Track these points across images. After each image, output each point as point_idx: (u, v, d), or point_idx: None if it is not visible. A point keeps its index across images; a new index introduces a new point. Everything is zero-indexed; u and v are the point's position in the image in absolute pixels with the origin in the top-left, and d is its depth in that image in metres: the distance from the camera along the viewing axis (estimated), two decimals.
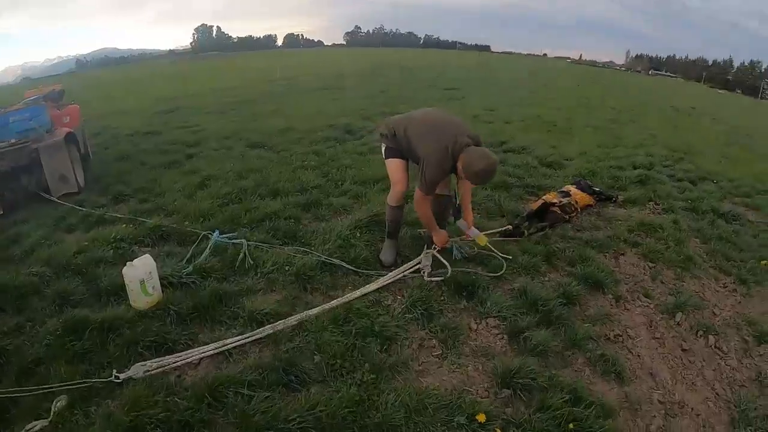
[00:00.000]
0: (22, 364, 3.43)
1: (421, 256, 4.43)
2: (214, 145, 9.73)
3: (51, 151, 7.15)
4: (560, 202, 5.63)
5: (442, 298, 4.06)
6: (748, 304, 4.69)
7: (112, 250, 4.98)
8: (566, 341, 3.74)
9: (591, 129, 12.51)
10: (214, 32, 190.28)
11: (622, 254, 5.12)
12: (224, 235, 4.85)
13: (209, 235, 4.89)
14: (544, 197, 5.75)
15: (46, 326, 3.78)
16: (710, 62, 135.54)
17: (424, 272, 4.23)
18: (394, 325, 3.67)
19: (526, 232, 5.18)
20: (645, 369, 3.73)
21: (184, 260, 4.54)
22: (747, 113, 30.70)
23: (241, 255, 4.51)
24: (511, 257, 4.65)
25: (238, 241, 4.73)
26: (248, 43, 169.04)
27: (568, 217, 5.62)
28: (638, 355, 3.84)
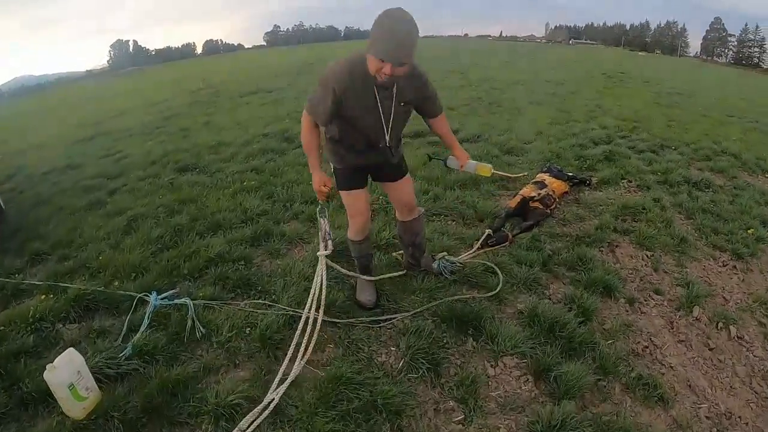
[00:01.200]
0: None
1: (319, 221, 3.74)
2: (140, 174, 8.79)
3: None
4: (539, 194, 5.21)
5: (444, 340, 3.37)
6: (751, 281, 4.59)
7: (32, 335, 4.06)
8: (598, 369, 3.23)
9: (536, 106, 12.23)
10: (131, 47, 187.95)
11: (617, 246, 4.77)
12: (163, 296, 4.00)
13: (146, 298, 4.08)
14: (521, 192, 5.29)
15: None
16: (628, 26, 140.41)
17: (323, 244, 3.60)
18: (399, 392, 2.95)
19: (510, 235, 4.62)
20: (682, 382, 3.39)
21: (120, 338, 3.73)
22: (671, 72, 31.22)
23: (189, 322, 3.66)
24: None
25: (181, 301, 3.89)
26: (167, 54, 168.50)
27: (549, 210, 5.17)
28: (671, 366, 3.48)
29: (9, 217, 8.07)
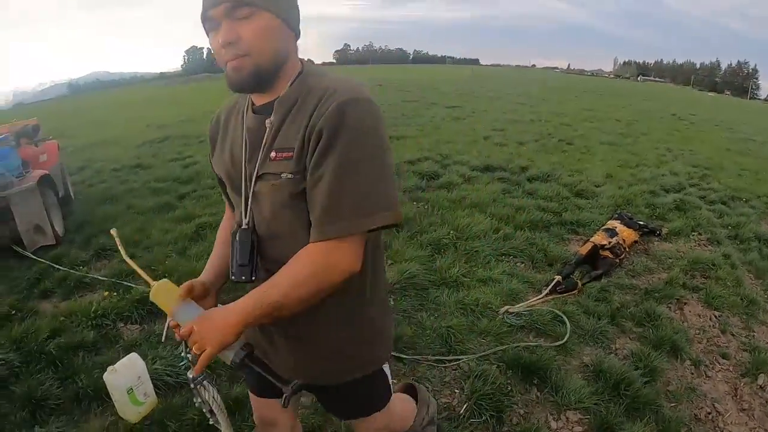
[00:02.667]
0: None
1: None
2: (209, 182, 8.89)
3: (23, 198, 6.41)
4: (609, 243, 5.14)
5: (509, 387, 3.33)
6: None
7: (92, 331, 4.24)
8: None
9: (607, 146, 12.08)
10: (205, 53, 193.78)
11: (686, 303, 4.61)
12: None
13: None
14: (592, 239, 5.24)
15: None
16: (698, 65, 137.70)
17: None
18: None
19: (579, 283, 4.59)
20: None
21: (182, 347, 3.83)
22: (742, 115, 30.45)
23: None
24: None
25: None
26: None
27: (618, 260, 5.10)
28: None
29: (77, 208, 8.33)
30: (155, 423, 3.05)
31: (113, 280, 5.20)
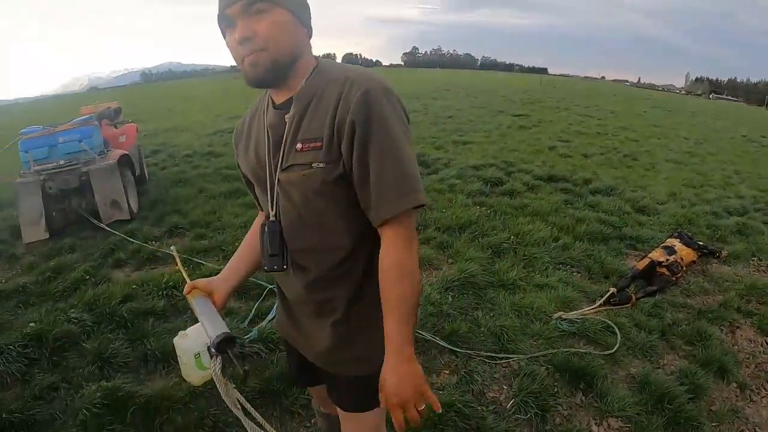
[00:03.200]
0: None
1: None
2: None
3: (102, 174, 6.91)
4: (667, 260, 5.13)
5: (555, 389, 3.44)
6: None
7: (162, 300, 4.57)
8: None
9: (672, 164, 11.87)
10: None
11: (738, 327, 4.57)
12: None
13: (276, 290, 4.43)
14: (650, 255, 5.24)
15: (83, 394, 3.37)
16: None
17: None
18: (504, 430, 3.06)
19: (633, 297, 4.65)
20: None
21: (246, 322, 4.08)
22: None
23: None
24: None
25: None
26: None
27: (675, 278, 5.10)
28: None
29: (150, 188, 8.76)
30: (216, 388, 3.30)
31: (185, 256, 5.50)
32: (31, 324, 4.26)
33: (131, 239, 6.26)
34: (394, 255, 1.47)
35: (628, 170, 10.48)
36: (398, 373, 1.48)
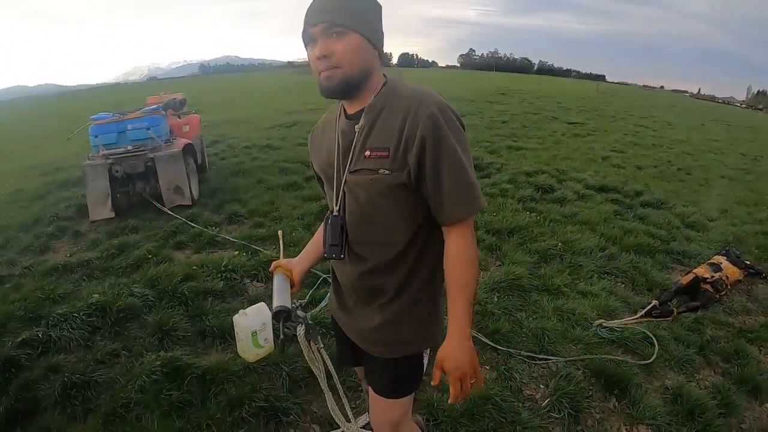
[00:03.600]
0: (111, 407, 3.28)
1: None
2: None
3: (167, 161, 7.31)
4: (712, 277, 5.12)
5: (590, 392, 3.54)
6: None
7: (221, 282, 4.87)
8: None
9: (726, 180, 11.68)
10: None
11: None
12: None
13: (329, 279, 4.65)
14: (695, 271, 5.25)
15: (143, 362, 3.65)
16: None
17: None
18: (537, 426, 3.20)
19: (675, 310, 4.70)
20: None
21: (300, 306, 4.30)
22: None
23: None
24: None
25: None
26: None
27: (718, 296, 5.09)
28: None
29: (210, 177, 9.14)
30: (271, 364, 3.56)
31: (243, 242, 5.82)
32: (95, 295, 4.61)
33: (192, 224, 6.61)
34: (461, 249, 1.75)
35: (681, 184, 10.40)
36: (461, 349, 1.74)
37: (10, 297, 4.92)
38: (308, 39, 1.71)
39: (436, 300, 1.97)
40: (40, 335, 4.07)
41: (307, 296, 4.58)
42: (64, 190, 9.63)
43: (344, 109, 1.85)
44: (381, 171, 1.70)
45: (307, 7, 1.71)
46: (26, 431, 3.18)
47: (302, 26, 1.72)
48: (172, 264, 5.41)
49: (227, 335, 3.97)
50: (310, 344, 2.11)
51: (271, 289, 2.07)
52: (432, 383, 1.81)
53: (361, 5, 1.69)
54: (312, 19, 1.66)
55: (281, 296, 2.01)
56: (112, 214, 7.21)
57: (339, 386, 2.30)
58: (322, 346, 2.15)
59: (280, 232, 2.52)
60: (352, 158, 1.77)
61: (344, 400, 2.47)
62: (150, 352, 3.83)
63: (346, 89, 1.71)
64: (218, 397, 3.34)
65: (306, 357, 2.15)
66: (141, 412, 3.22)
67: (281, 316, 1.95)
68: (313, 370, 2.17)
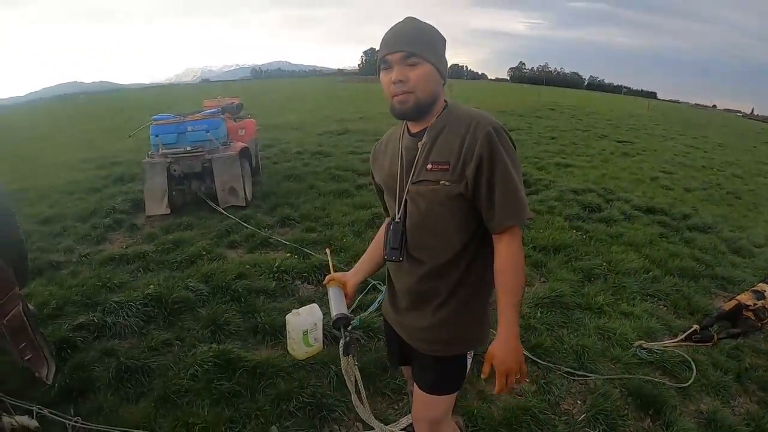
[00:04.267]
0: (164, 391, 3.47)
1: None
2: None
3: (224, 163, 7.63)
4: (755, 305, 5.05)
5: (625, 411, 3.61)
6: None
7: (273, 282, 5.06)
8: None
9: None
10: None
11: None
12: None
13: (379, 287, 4.79)
14: (738, 297, 5.21)
15: (195, 352, 3.85)
16: None
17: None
18: None
19: (715, 336, 4.73)
20: None
21: (350, 311, 4.45)
22: None
23: None
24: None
25: None
26: None
27: (760, 324, 5.07)
28: None
29: (263, 180, 9.44)
30: (319, 363, 3.74)
31: (295, 245, 6.02)
32: (151, 286, 4.87)
33: (245, 224, 6.86)
34: (509, 255, 1.94)
35: (729, 208, 10.27)
36: (509, 346, 1.93)
37: (67, 282, 5.21)
38: (385, 65, 1.93)
39: (484, 306, 2.15)
40: (96, 320, 4.34)
41: (356, 301, 4.72)
42: (120, 185, 10.01)
43: (407, 129, 2.07)
44: (442, 182, 1.91)
45: (385, 34, 1.95)
46: (79, 408, 3.37)
47: (383, 38, 1.94)
48: (226, 262, 5.65)
49: (278, 332, 4.15)
50: (348, 358, 2.29)
51: (327, 299, 2.32)
52: (481, 376, 2.01)
53: (433, 39, 1.93)
54: (391, 47, 1.89)
55: (338, 305, 2.25)
56: (168, 211, 7.55)
57: (364, 398, 2.44)
58: (357, 363, 2.32)
59: (328, 250, 2.72)
60: (414, 170, 1.99)
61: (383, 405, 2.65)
62: (202, 343, 4.05)
63: (418, 113, 1.95)
64: (267, 390, 3.52)
65: (343, 369, 2.32)
66: (192, 399, 3.43)
67: (341, 323, 2.18)
68: (347, 382, 2.35)
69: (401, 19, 1.98)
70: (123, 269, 5.63)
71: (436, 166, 1.93)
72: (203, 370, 3.62)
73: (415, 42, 1.87)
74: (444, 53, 1.99)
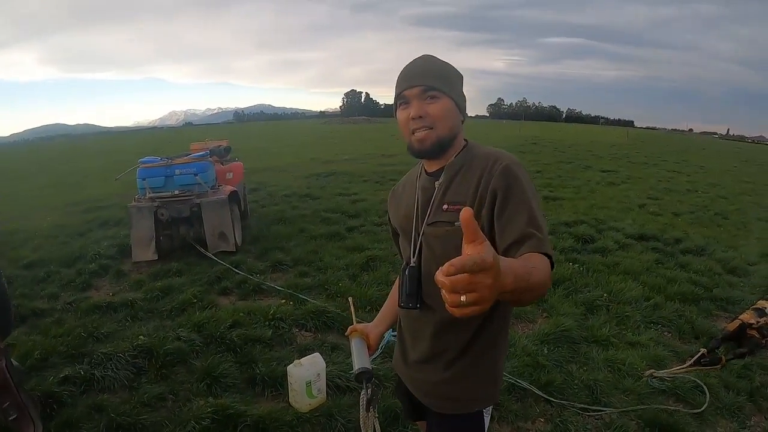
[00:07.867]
0: None
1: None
2: (376, 219, 9.70)
3: (213, 207, 7.52)
4: (757, 322, 5.08)
5: None
6: None
7: (270, 330, 4.94)
8: None
9: (764, 223, 11.52)
10: (363, 98, 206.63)
11: None
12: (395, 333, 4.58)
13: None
14: (740, 317, 5.24)
15: (190, 407, 3.71)
16: None
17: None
18: None
19: (723, 358, 4.72)
20: None
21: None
22: None
23: None
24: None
25: None
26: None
27: (765, 341, 5.09)
28: None
29: (252, 224, 9.39)
30: (325, 415, 3.57)
31: (290, 291, 5.92)
32: (141, 337, 4.73)
33: (237, 270, 6.73)
34: (541, 260, 1.62)
35: (719, 229, 10.35)
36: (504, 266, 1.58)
37: (51, 331, 5.03)
38: (402, 101, 1.85)
39: (498, 363, 2.00)
40: (83, 372, 4.17)
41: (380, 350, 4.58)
42: (105, 229, 9.94)
43: (425, 168, 1.98)
44: (457, 224, 1.74)
45: (402, 71, 1.88)
46: None
47: (400, 76, 1.87)
48: (218, 309, 5.53)
49: (278, 384, 4.00)
50: (368, 412, 2.11)
51: (350, 352, 2.17)
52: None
53: (451, 74, 1.87)
54: (408, 82, 1.81)
55: (360, 358, 2.09)
56: (156, 256, 7.41)
57: None
58: (377, 416, 2.14)
59: (350, 299, 2.55)
60: (430, 212, 1.87)
61: None
62: (198, 397, 3.90)
63: (439, 150, 1.84)
64: None
65: (361, 423, 2.11)
66: None
67: (363, 378, 2.03)
68: None
69: (417, 56, 1.91)
70: (110, 318, 5.46)
71: (451, 207, 1.81)
72: (201, 426, 3.48)
73: (434, 76, 1.81)
74: (462, 89, 1.92)
